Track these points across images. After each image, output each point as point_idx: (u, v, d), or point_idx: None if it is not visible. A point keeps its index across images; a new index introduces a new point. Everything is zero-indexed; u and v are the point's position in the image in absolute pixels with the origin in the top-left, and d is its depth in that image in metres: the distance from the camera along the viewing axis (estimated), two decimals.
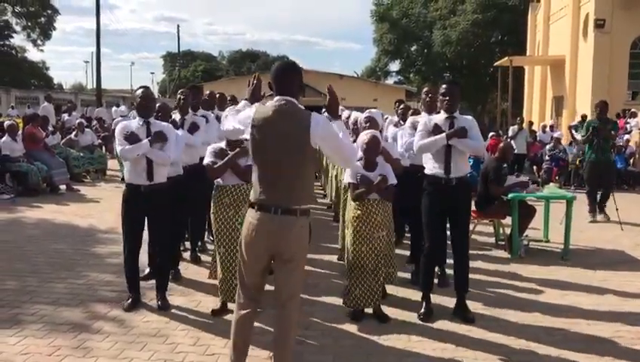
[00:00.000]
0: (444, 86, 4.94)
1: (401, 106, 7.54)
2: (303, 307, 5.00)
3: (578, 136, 13.65)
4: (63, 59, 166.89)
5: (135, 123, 4.99)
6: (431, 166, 4.92)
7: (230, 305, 4.93)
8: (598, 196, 9.55)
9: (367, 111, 5.37)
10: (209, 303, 5.08)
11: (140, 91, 5.08)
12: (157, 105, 5.29)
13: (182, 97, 6.13)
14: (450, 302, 5.12)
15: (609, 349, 4.33)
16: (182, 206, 5.86)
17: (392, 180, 4.84)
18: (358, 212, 4.77)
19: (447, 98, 4.86)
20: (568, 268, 6.54)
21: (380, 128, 5.43)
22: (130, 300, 4.98)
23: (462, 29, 34.68)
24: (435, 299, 5.15)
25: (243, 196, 4.72)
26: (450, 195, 4.83)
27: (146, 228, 5.04)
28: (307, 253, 3.50)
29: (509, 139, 14.78)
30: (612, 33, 19.64)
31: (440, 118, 4.93)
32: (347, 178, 4.90)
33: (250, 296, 3.47)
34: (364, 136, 4.83)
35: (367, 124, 5.16)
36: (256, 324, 4.53)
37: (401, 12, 39.25)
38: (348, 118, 7.38)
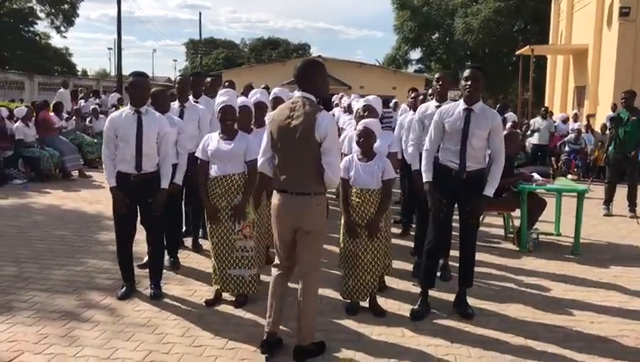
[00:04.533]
0: (468, 70, 4.58)
1: (412, 95, 7.36)
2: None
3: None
4: (89, 46, 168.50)
5: (125, 112, 4.84)
6: (444, 156, 4.68)
7: (224, 295, 4.89)
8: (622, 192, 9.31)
9: (365, 99, 5.20)
10: (205, 293, 5.03)
11: (131, 78, 4.86)
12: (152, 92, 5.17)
13: (179, 85, 6.01)
14: (448, 296, 5.00)
15: (610, 349, 4.18)
16: (181, 193, 5.81)
17: (391, 175, 4.68)
18: (354, 201, 4.66)
19: (470, 82, 4.49)
20: (578, 263, 6.36)
21: (380, 116, 5.26)
22: (124, 288, 4.95)
23: (484, 16, 34.05)
24: (434, 293, 5.03)
25: (235, 187, 4.63)
26: (460, 188, 4.61)
27: None
28: (326, 230, 3.93)
29: (530, 132, 14.49)
30: (637, 21, 19.03)
31: (458, 109, 4.59)
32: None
33: (283, 262, 3.95)
34: (359, 126, 4.69)
35: (366, 113, 5.00)
36: (248, 316, 4.52)
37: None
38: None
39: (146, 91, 4.86)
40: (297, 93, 3.74)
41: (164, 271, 5.29)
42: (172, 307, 4.73)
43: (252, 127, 5.20)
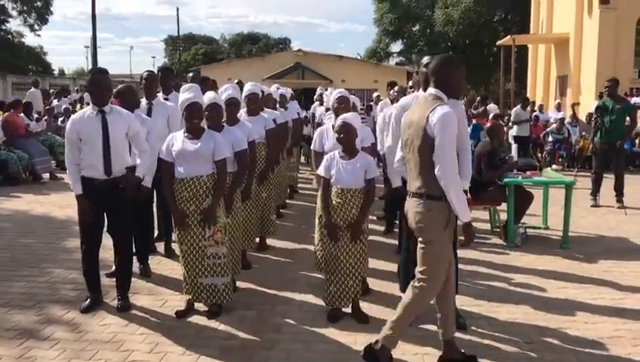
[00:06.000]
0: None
1: (396, 89, 7.12)
2: (276, 307, 4.66)
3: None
4: (66, 44, 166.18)
5: (87, 112, 4.52)
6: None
7: (197, 305, 4.58)
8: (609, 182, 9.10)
9: (338, 91, 4.88)
10: (176, 303, 4.70)
11: (91, 76, 4.59)
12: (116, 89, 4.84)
13: (147, 81, 5.66)
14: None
15: (607, 351, 3.94)
16: (151, 196, 5.49)
17: (375, 173, 4.37)
18: (335, 202, 4.35)
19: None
20: (567, 258, 6.14)
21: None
22: (88, 301, 4.61)
23: (464, 7, 33.95)
24: None
25: (203, 189, 4.30)
26: None
27: None
28: (441, 239, 3.48)
29: (511, 123, 14.23)
30: (618, 9, 18.98)
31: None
32: (320, 169, 4.44)
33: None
34: (338, 121, 4.38)
35: (342, 105, 4.69)
36: (222, 328, 4.21)
37: None
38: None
39: (106, 90, 4.51)
40: (431, 90, 3.51)
41: (133, 279, 4.96)
42: (140, 319, 4.41)
43: (223, 124, 4.87)
